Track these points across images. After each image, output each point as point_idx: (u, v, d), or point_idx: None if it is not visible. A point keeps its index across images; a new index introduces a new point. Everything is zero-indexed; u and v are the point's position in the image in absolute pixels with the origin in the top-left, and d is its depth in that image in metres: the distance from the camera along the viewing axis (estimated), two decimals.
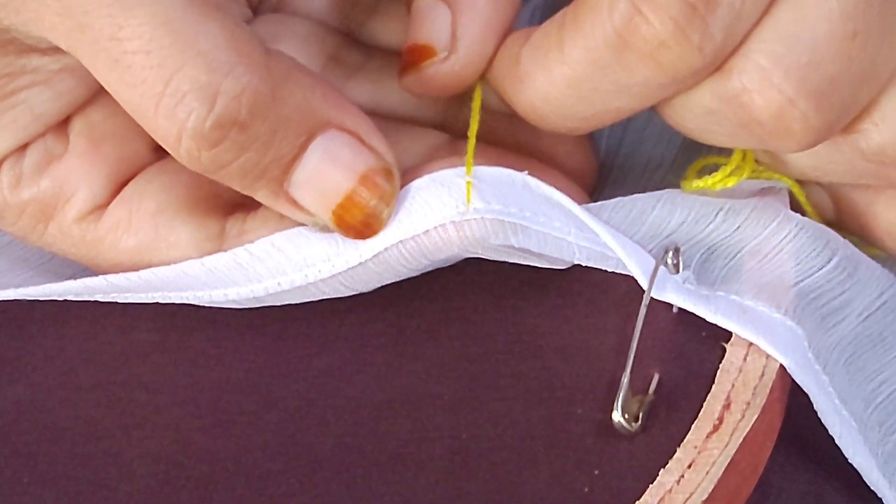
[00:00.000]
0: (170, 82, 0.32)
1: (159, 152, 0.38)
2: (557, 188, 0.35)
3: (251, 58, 0.32)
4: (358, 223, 0.34)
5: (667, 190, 0.38)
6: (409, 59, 0.37)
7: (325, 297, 0.37)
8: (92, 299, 0.39)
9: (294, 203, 0.34)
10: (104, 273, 0.38)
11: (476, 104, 0.37)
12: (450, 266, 0.38)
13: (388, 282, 0.37)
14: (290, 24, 0.40)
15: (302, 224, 0.35)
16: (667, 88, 0.34)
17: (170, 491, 0.36)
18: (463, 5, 0.36)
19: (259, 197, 0.35)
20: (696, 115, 0.35)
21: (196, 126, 0.32)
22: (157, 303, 0.40)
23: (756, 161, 0.38)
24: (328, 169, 0.34)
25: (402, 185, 0.35)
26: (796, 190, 0.39)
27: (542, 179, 0.36)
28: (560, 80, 0.34)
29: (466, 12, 0.36)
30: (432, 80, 0.37)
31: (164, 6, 0.32)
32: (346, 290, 0.37)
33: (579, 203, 0.35)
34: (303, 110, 0.33)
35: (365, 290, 0.37)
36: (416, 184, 0.35)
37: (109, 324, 0.40)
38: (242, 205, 0.37)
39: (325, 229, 0.35)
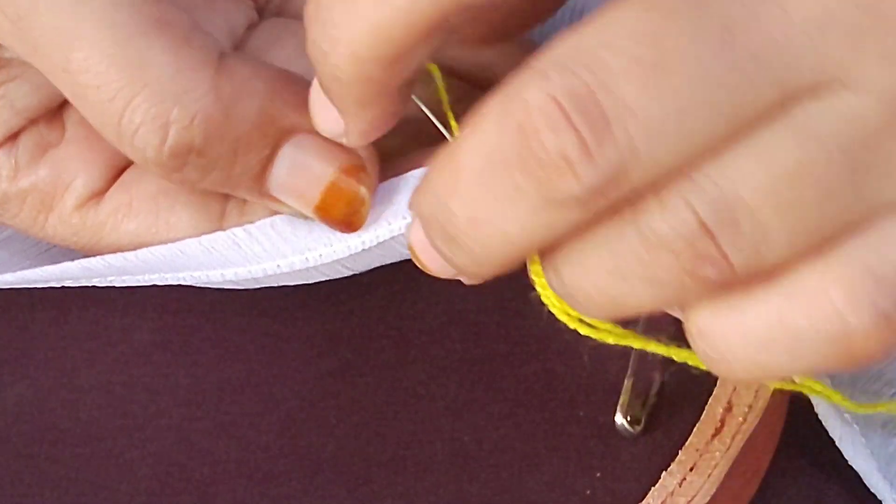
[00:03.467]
0: (122, 115, 0.32)
1: None
2: None
3: (199, 82, 0.32)
4: (342, 216, 0.34)
5: None
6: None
7: (323, 279, 0.37)
8: (90, 285, 0.39)
9: (277, 200, 0.34)
10: None
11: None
12: None
13: (389, 262, 0.37)
14: (293, 27, 0.40)
15: None
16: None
17: (171, 492, 0.36)
18: None
19: (243, 197, 0.35)
20: None
21: (154, 156, 0.32)
22: (158, 303, 0.40)
23: None
24: (299, 175, 0.34)
25: (400, 174, 0.35)
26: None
27: None
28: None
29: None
30: None
31: (109, 33, 0.32)
32: (346, 271, 0.37)
33: None
34: (261, 124, 0.33)
35: (364, 269, 0.37)
36: (415, 172, 0.35)
37: (110, 324, 0.40)
38: None
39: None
